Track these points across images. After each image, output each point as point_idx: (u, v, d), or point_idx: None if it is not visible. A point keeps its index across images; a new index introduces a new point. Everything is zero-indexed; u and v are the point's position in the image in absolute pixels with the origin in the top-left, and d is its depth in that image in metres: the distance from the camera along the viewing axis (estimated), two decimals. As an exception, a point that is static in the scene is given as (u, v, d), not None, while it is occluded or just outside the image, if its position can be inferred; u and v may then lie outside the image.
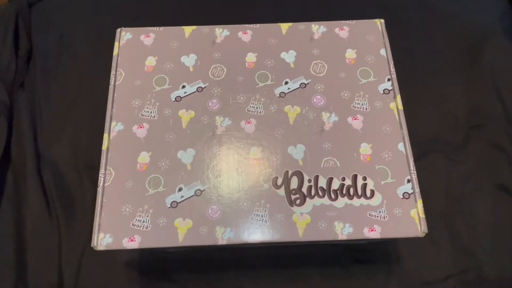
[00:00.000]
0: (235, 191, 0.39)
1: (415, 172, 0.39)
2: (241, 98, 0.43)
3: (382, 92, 0.43)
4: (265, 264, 0.47)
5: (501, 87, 0.56)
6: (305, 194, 0.38)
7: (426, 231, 0.37)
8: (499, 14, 0.62)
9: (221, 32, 0.46)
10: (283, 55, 0.45)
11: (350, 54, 0.45)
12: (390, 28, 0.47)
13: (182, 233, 0.37)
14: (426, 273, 0.46)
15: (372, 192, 0.38)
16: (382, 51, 0.45)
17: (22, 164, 0.50)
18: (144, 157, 0.40)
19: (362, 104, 0.42)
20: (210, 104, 0.42)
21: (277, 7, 0.63)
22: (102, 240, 0.37)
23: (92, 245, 0.37)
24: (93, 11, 0.62)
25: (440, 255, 0.47)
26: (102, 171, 0.39)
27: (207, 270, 0.47)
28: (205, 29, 0.47)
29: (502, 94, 0.56)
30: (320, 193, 0.38)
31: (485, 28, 0.61)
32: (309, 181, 0.39)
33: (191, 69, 0.44)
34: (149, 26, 0.47)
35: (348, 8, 0.62)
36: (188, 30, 0.47)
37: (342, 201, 0.38)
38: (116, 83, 0.43)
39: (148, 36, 0.46)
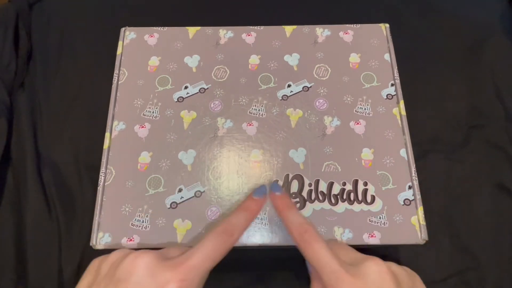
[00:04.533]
0: (235, 193, 0.38)
1: (416, 178, 0.39)
2: (244, 100, 0.43)
3: (385, 97, 0.43)
4: (266, 264, 0.47)
5: (501, 87, 0.56)
6: (305, 198, 0.38)
7: (427, 238, 0.37)
8: (499, 14, 0.62)
9: (225, 33, 0.46)
10: (286, 57, 0.45)
11: (354, 58, 0.45)
12: (390, 28, 0.47)
13: (181, 234, 0.37)
14: (426, 273, 0.46)
15: (373, 197, 0.38)
16: (386, 56, 0.45)
17: (22, 164, 0.50)
18: (145, 157, 0.40)
19: (365, 109, 0.42)
20: (212, 105, 0.42)
21: (282, 9, 0.62)
22: (101, 239, 0.37)
23: (91, 244, 0.37)
24: (93, 11, 0.62)
25: (440, 255, 0.47)
26: (102, 170, 0.39)
27: (206, 271, 0.47)
28: (209, 30, 0.47)
29: (502, 94, 0.55)
30: (321, 198, 0.38)
31: (485, 28, 0.60)
32: (310, 185, 0.39)
33: (194, 70, 0.44)
34: (150, 26, 0.47)
35: (350, 7, 0.62)
36: (192, 30, 0.47)
37: (342, 206, 0.38)
38: (119, 83, 0.44)
39: (152, 36, 0.46)
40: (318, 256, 0.27)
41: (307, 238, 0.28)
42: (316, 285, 0.29)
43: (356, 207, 0.38)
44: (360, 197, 0.38)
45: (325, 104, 0.42)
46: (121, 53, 0.45)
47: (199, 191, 0.39)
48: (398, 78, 0.43)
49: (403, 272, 0.29)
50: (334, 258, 0.27)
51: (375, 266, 0.27)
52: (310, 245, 0.28)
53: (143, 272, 0.24)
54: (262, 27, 0.47)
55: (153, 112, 0.42)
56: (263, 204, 0.31)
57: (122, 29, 0.47)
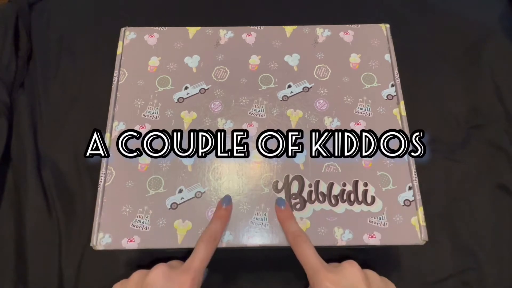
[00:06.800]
0: (235, 194, 0.38)
1: (416, 179, 0.39)
2: (244, 100, 0.43)
3: (386, 98, 0.43)
4: (266, 265, 0.47)
5: (501, 87, 0.56)
6: (306, 198, 0.38)
7: (427, 239, 0.37)
8: (499, 14, 0.62)
9: (225, 33, 0.46)
10: (286, 58, 0.45)
11: (354, 58, 0.45)
12: (390, 28, 0.47)
13: (181, 234, 0.37)
14: (426, 273, 0.46)
15: (373, 198, 0.38)
16: (387, 56, 0.45)
17: (22, 164, 0.50)
18: (145, 158, 0.40)
19: (365, 110, 0.42)
20: (212, 106, 0.42)
21: (282, 9, 0.62)
22: (101, 240, 0.37)
23: (91, 245, 0.37)
24: (93, 11, 0.62)
25: (440, 255, 0.47)
26: (103, 170, 0.39)
27: (206, 271, 0.47)
28: (209, 30, 0.47)
29: (502, 94, 0.55)
30: (321, 198, 0.38)
31: (485, 28, 0.60)
32: (310, 186, 0.39)
33: (194, 70, 0.44)
34: (150, 26, 0.47)
35: (350, 7, 0.62)
36: (192, 30, 0.47)
37: (342, 207, 0.38)
38: (119, 83, 0.43)
39: (152, 36, 0.46)
40: (304, 253, 0.34)
41: (299, 241, 0.35)
42: None
43: (356, 207, 0.38)
44: (360, 198, 0.38)
45: (326, 105, 0.42)
46: (121, 53, 0.45)
47: (200, 191, 0.39)
48: (399, 78, 0.43)
49: (377, 277, 0.34)
50: (316, 257, 0.33)
51: (350, 267, 0.33)
52: (300, 245, 0.34)
53: (163, 279, 0.31)
54: (262, 27, 0.47)
55: (153, 113, 0.42)
56: (231, 209, 0.38)
57: (122, 29, 0.47)
